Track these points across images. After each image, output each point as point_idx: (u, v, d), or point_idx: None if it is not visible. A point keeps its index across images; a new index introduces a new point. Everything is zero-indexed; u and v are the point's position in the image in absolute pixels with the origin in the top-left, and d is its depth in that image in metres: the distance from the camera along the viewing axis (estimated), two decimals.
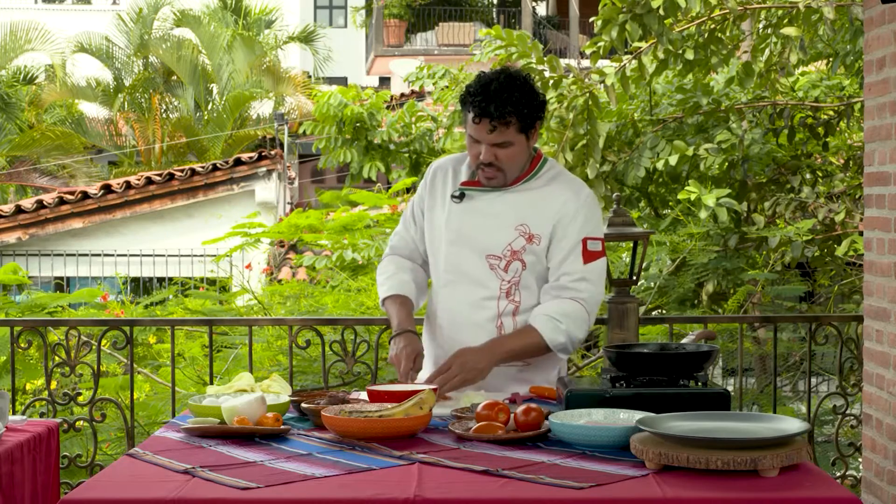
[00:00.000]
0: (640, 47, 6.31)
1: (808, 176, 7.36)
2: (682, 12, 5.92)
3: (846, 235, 6.76)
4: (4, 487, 3.20)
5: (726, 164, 7.13)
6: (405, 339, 3.16)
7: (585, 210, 3.17)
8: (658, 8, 5.72)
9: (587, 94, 6.37)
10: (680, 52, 6.23)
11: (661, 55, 6.17)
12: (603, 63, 6.50)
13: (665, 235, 6.81)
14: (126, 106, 20.06)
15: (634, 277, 4.12)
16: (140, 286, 13.66)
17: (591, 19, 6.47)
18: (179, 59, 20.17)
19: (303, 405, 2.81)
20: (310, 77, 22.70)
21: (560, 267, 3.15)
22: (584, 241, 3.15)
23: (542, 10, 27.78)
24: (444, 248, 3.23)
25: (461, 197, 3.21)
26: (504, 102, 3.02)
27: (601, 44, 6.07)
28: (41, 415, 5.13)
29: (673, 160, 6.83)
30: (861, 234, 5.35)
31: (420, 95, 16.22)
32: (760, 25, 6.62)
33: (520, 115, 3.05)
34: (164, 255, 13.95)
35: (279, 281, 10.87)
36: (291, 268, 12.02)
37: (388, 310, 3.29)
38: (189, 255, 13.70)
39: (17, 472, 3.29)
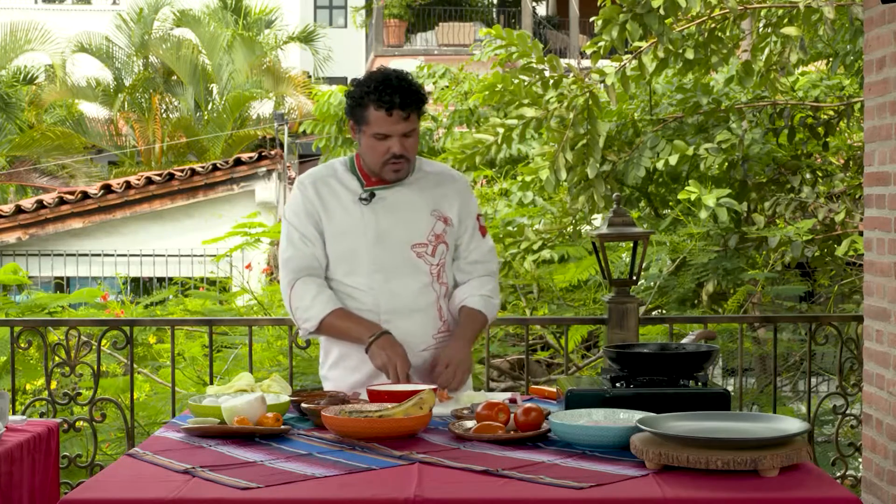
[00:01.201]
0: (640, 47, 6.31)
1: (808, 176, 7.36)
2: (683, 12, 5.92)
3: (846, 235, 6.76)
4: (3, 487, 3.20)
5: (726, 164, 7.13)
6: (389, 343, 3.15)
7: (469, 190, 3.43)
8: (658, 8, 5.72)
9: (587, 94, 6.37)
10: (680, 51, 6.23)
11: (661, 54, 6.16)
12: (603, 63, 6.50)
13: (665, 235, 6.81)
14: (126, 106, 20.06)
15: (634, 277, 4.13)
16: (140, 286, 13.66)
17: (591, 19, 6.47)
18: (179, 59, 20.18)
19: (303, 405, 2.81)
20: (310, 77, 22.70)
21: (469, 245, 3.38)
22: (478, 217, 3.42)
23: (542, 10, 27.77)
24: (366, 250, 3.24)
25: (371, 197, 3.26)
26: (408, 92, 3.17)
27: (601, 44, 6.07)
28: (41, 415, 5.13)
29: (673, 160, 6.83)
30: (861, 234, 5.35)
31: None
32: (760, 25, 6.62)
33: (419, 104, 3.20)
34: (164, 255, 13.95)
35: (279, 281, 10.86)
36: None
37: (340, 323, 3.22)
38: (189, 255, 13.69)
39: (16, 472, 3.29)
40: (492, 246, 3.46)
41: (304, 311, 3.25)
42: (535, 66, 6.66)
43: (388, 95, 3.13)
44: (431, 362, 3.23)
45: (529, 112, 6.56)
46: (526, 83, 6.64)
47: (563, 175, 6.54)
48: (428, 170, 3.37)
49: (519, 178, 7.30)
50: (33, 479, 3.42)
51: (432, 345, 3.27)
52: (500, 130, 6.76)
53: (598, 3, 5.99)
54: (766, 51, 6.59)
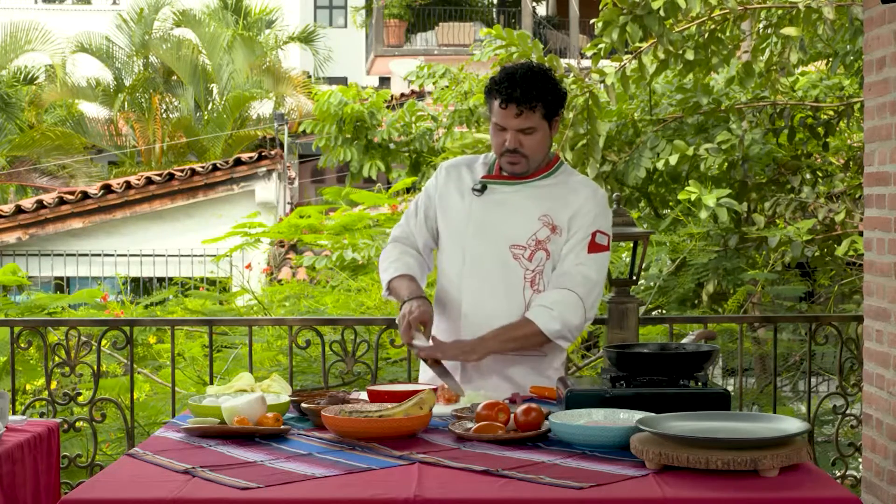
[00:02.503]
0: (640, 47, 6.30)
1: (808, 176, 7.36)
2: (683, 13, 5.92)
3: (846, 235, 6.76)
4: (6, 487, 3.20)
5: (726, 164, 7.13)
6: (417, 303, 3.19)
7: (600, 209, 3.29)
8: (658, 9, 5.72)
9: (587, 94, 6.37)
10: (680, 52, 6.23)
11: (661, 55, 6.16)
12: (603, 63, 6.50)
13: (665, 235, 6.81)
14: (126, 106, 20.06)
15: (634, 277, 4.12)
16: (140, 286, 13.66)
17: (591, 21, 6.47)
18: (179, 59, 20.18)
19: (303, 405, 2.81)
20: (310, 77, 22.70)
21: (567, 256, 3.24)
22: (594, 233, 3.26)
23: (542, 10, 27.77)
24: (466, 240, 3.27)
25: (483, 189, 3.28)
26: (530, 88, 3.15)
27: (602, 45, 6.07)
28: (41, 415, 5.13)
29: (673, 160, 6.83)
30: (861, 234, 5.35)
31: (420, 95, 16.22)
32: (761, 25, 6.62)
33: (544, 102, 3.17)
34: (164, 255, 13.95)
35: (279, 281, 10.86)
36: (291, 268, 12.03)
37: (397, 285, 3.32)
38: (189, 255, 13.70)
39: (17, 471, 3.29)
40: (595, 262, 3.24)
41: (383, 272, 3.40)
42: None
43: (506, 88, 3.15)
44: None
45: None
46: None
47: None
48: (566, 179, 3.30)
49: None
50: (36, 479, 3.43)
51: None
52: None
53: (600, 6, 5.98)
54: (767, 51, 6.59)
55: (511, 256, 3.23)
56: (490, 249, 3.24)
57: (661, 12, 5.73)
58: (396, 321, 3.23)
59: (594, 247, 3.25)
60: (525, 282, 3.24)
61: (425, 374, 3.36)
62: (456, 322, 3.29)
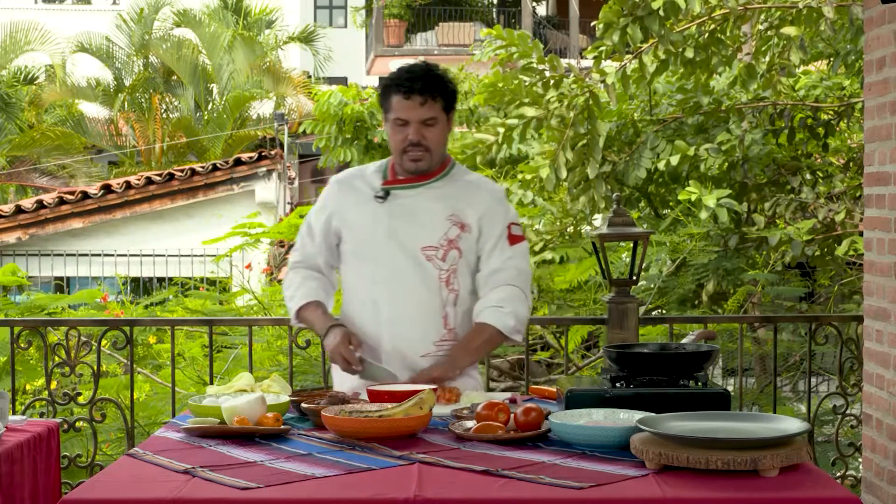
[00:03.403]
0: (640, 47, 6.30)
1: (808, 176, 7.36)
2: (683, 13, 5.92)
3: (846, 235, 6.76)
4: (4, 487, 3.20)
5: (726, 164, 7.12)
6: (337, 333, 3.20)
7: (505, 203, 3.38)
8: (658, 9, 5.71)
9: (587, 94, 6.37)
10: (680, 51, 6.22)
11: (661, 55, 6.16)
12: (604, 63, 6.50)
13: (665, 236, 6.81)
14: (126, 106, 20.06)
15: (634, 277, 4.12)
16: (140, 286, 13.66)
17: (592, 23, 6.47)
18: (180, 59, 20.18)
19: (303, 405, 2.81)
20: (310, 77, 22.70)
21: (491, 254, 3.29)
22: (509, 226, 3.33)
23: (542, 10, 27.77)
24: (377, 249, 3.26)
25: (386, 195, 3.28)
26: (430, 79, 3.21)
27: (603, 48, 6.07)
28: (41, 415, 5.13)
29: (674, 160, 6.82)
30: (861, 234, 5.35)
31: None
32: (762, 27, 6.62)
33: (443, 94, 3.23)
34: (164, 255, 13.95)
35: (279, 281, 10.86)
36: None
37: (309, 317, 3.34)
38: (189, 255, 13.69)
39: (17, 472, 3.29)
40: (520, 253, 3.33)
41: (288, 301, 3.40)
42: (535, 66, 6.66)
43: (407, 81, 3.19)
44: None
45: (530, 111, 6.56)
46: (527, 83, 6.63)
47: (564, 173, 6.53)
48: (461, 178, 3.35)
49: (519, 177, 7.29)
50: (35, 479, 3.42)
51: (433, 352, 3.24)
52: (501, 130, 6.76)
53: (602, 9, 5.98)
54: (770, 52, 6.59)
55: (424, 258, 3.25)
56: (403, 254, 3.24)
57: (661, 12, 5.73)
58: (329, 357, 3.23)
59: (514, 239, 3.32)
60: (440, 282, 3.26)
61: (342, 384, 3.32)
62: (376, 331, 3.27)
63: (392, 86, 3.22)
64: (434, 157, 3.27)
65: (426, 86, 3.18)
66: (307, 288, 3.36)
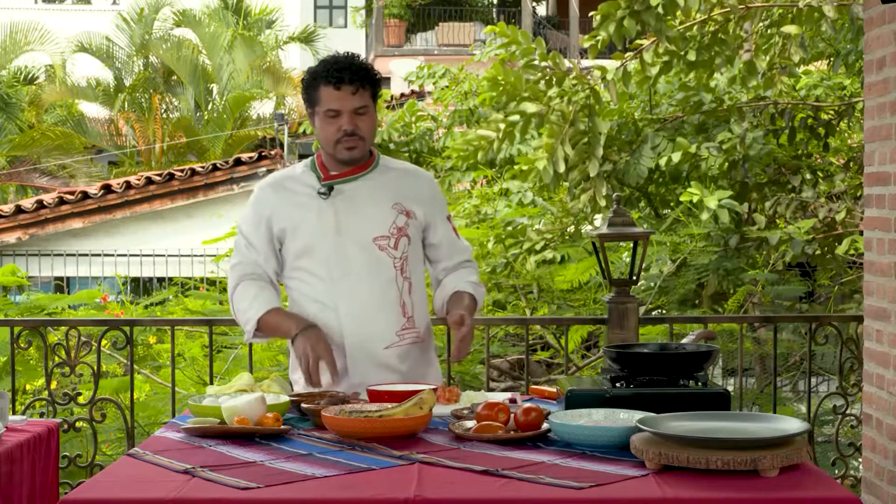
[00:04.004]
0: (641, 44, 6.30)
1: (808, 176, 7.36)
2: (682, 11, 5.92)
3: (847, 235, 6.76)
4: (4, 488, 3.20)
5: (727, 164, 7.13)
6: (314, 335, 3.12)
7: (436, 187, 3.45)
8: (657, 6, 5.72)
9: (588, 91, 6.37)
10: (683, 53, 6.22)
11: (661, 53, 6.16)
12: (605, 62, 6.51)
13: (665, 236, 6.81)
14: (126, 106, 20.06)
15: (634, 277, 4.12)
16: (140, 286, 13.66)
17: (590, 14, 6.47)
18: (180, 59, 20.18)
19: (303, 405, 2.81)
20: None
21: (445, 238, 3.39)
22: (448, 218, 3.44)
23: (542, 10, 27.77)
24: (327, 246, 3.23)
25: (329, 191, 3.26)
26: (357, 68, 3.20)
27: (599, 37, 6.06)
28: (41, 415, 5.13)
29: (676, 158, 6.82)
30: (862, 233, 5.35)
31: (420, 95, 16.21)
32: (762, 25, 6.62)
33: (371, 82, 3.22)
34: (164, 255, 13.95)
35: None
36: None
37: (273, 320, 3.22)
38: (189, 255, 13.69)
39: (16, 472, 3.29)
40: (465, 241, 3.50)
41: (244, 313, 3.26)
42: (537, 63, 6.66)
43: (336, 71, 3.17)
44: (450, 317, 3.21)
45: (531, 108, 6.56)
46: (529, 81, 6.64)
47: (562, 167, 6.52)
48: (391, 166, 3.38)
49: (514, 168, 7.27)
50: (33, 479, 3.42)
51: (396, 342, 3.24)
52: (502, 126, 6.76)
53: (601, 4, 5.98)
54: (771, 50, 6.59)
55: (377, 248, 3.24)
56: (356, 247, 3.23)
57: (660, 9, 5.73)
58: (297, 356, 3.11)
59: (454, 228, 3.46)
60: (396, 270, 3.26)
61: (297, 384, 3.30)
62: (337, 329, 3.22)
63: (320, 77, 3.19)
64: (366, 146, 3.26)
65: (356, 75, 3.18)
66: (266, 296, 3.24)
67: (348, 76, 3.16)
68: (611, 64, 6.41)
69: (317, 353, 3.08)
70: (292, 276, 3.31)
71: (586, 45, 6.31)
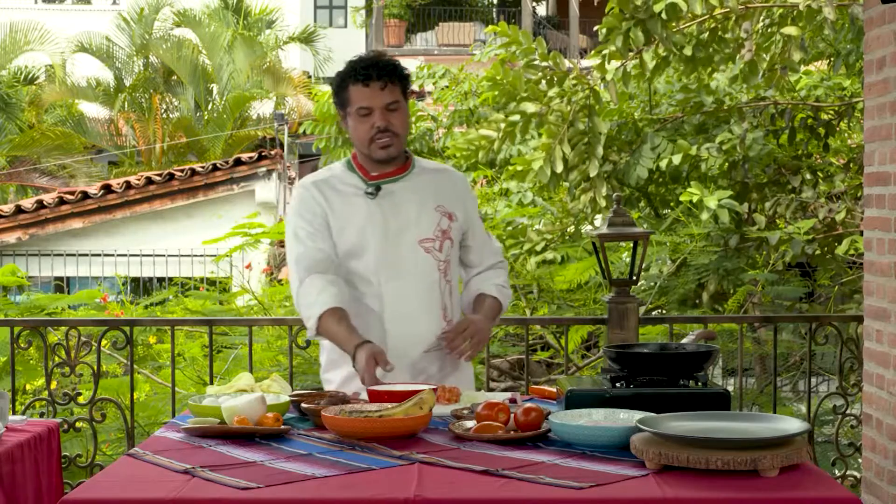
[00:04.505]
0: (642, 47, 6.30)
1: (808, 176, 7.36)
2: (684, 14, 5.92)
3: (847, 235, 6.76)
4: (7, 487, 3.20)
5: (727, 164, 7.13)
6: (371, 350, 3.02)
7: (470, 187, 3.47)
8: (660, 12, 5.72)
9: (588, 91, 6.37)
10: (681, 49, 6.22)
11: (661, 52, 6.16)
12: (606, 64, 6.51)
13: (665, 236, 6.81)
14: (126, 106, 20.06)
15: (634, 277, 4.12)
16: (140, 286, 13.66)
17: (595, 28, 6.48)
18: (180, 59, 20.17)
19: (303, 405, 2.81)
20: (310, 77, 22.69)
21: (478, 238, 3.40)
22: (479, 217, 3.47)
23: (542, 10, 27.77)
24: (376, 248, 3.20)
25: (377, 191, 3.23)
26: (384, 64, 3.20)
27: (606, 52, 6.07)
28: (41, 415, 5.13)
29: (677, 159, 6.82)
30: (862, 233, 5.35)
31: (420, 95, 16.22)
32: (762, 24, 6.62)
33: (400, 77, 3.21)
34: (164, 255, 13.95)
35: (279, 281, 10.86)
36: None
37: (331, 327, 3.10)
38: (189, 255, 13.69)
39: (18, 471, 3.29)
40: (497, 242, 3.51)
41: (307, 308, 3.17)
42: (538, 63, 6.66)
43: (363, 69, 3.17)
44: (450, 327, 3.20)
45: (531, 107, 6.56)
46: (529, 81, 6.64)
47: (559, 167, 6.52)
48: (426, 166, 3.37)
49: (511, 169, 7.26)
50: (37, 479, 3.42)
51: (435, 346, 3.23)
52: (503, 126, 6.76)
53: (605, 10, 5.98)
54: (772, 49, 6.59)
55: (423, 251, 3.23)
56: (404, 249, 3.21)
57: (663, 15, 5.73)
58: (357, 370, 3.02)
59: (481, 220, 3.48)
60: (440, 273, 3.25)
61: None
62: (378, 331, 3.19)
63: (349, 77, 3.19)
64: (401, 143, 3.24)
65: (383, 70, 3.17)
66: (329, 294, 3.12)
67: (376, 72, 3.16)
68: (611, 64, 6.41)
69: (365, 375, 2.98)
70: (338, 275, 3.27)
71: (592, 59, 6.31)
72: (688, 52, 6.19)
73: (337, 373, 3.30)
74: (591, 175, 6.59)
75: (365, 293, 3.23)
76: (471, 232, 3.37)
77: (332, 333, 3.13)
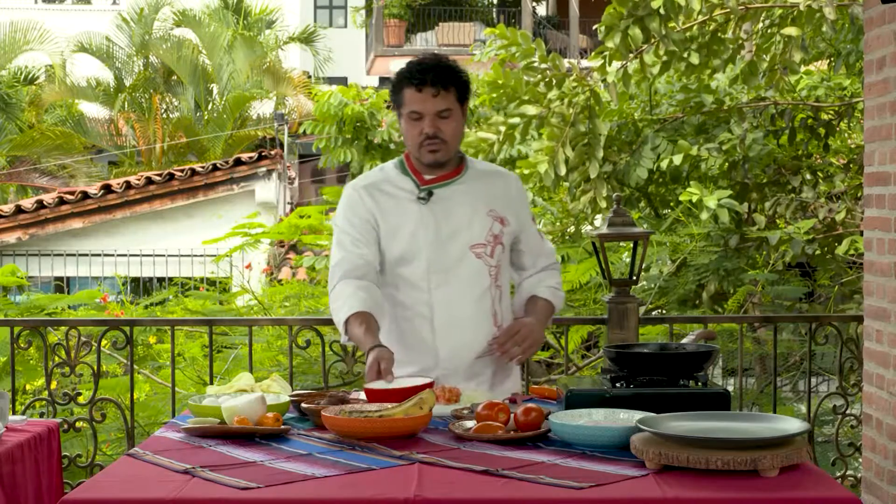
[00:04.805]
0: (642, 47, 6.30)
1: (808, 176, 7.37)
2: (683, 13, 5.92)
3: (847, 235, 6.76)
4: (6, 487, 3.20)
5: (727, 164, 7.13)
6: (373, 354, 3.00)
7: (523, 189, 3.43)
8: (658, 8, 5.71)
9: (588, 92, 6.37)
10: (684, 55, 6.22)
11: (661, 54, 6.16)
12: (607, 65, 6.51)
13: (665, 236, 6.81)
14: (126, 106, 20.06)
15: (634, 277, 4.12)
16: (140, 286, 13.66)
17: (594, 28, 6.48)
18: (180, 59, 20.18)
19: (303, 405, 2.81)
20: (310, 77, 22.69)
21: (530, 239, 3.37)
22: (532, 219, 3.43)
23: (542, 10, 27.77)
24: (427, 253, 3.19)
25: (429, 196, 3.22)
26: (442, 70, 3.16)
27: (606, 53, 6.07)
28: (41, 415, 5.13)
29: (678, 160, 6.82)
30: (862, 233, 5.35)
31: None
32: (762, 25, 6.62)
33: (457, 84, 3.18)
34: (164, 255, 13.95)
35: (279, 281, 10.87)
36: (291, 268, 12.03)
37: (356, 331, 3.09)
38: (189, 255, 13.70)
39: (18, 471, 3.29)
40: (550, 245, 3.48)
41: (336, 313, 3.17)
42: (537, 65, 6.66)
43: (419, 73, 3.14)
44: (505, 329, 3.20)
45: (531, 110, 6.56)
46: (529, 83, 6.64)
47: (563, 170, 6.53)
48: (479, 169, 3.33)
49: (517, 172, 7.28)
50: (38, 479, 3.43)
51: (485, 352, 3.22)
52: (503, 129, 6.76)
53: (605, 12, 5.98)
54: (772, 49, 6.59)
55: (474, 256, 3.22)
56: (456, 256, 3.20)
57: (661, 10, 5.73)
58: (368, 364, 3.01)
59: (534, 222, 3.44)
60: (490, 279, 3.24)
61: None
62: (429, 337, 3.20)
63: (404, 79, 3.16)
64: (451, 149, 3.21)
65: (438, 77, 3.13)
66: (357, 298, 3.11)
67: (430, 78, 3.13)
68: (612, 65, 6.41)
69: (384, 362, 2.96)
70: (387, 282, 3.25)
71: (593, 60, 6.30)
72: (694, 60, 6.19)
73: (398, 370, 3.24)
74: (592, 176, 6.59)
75: (415, 299, 3.21)
76: (523, 235, 3.33)
77: (355, 337, 3.13)
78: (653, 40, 6.13)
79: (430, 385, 2.85)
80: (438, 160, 3.20)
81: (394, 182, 3.27)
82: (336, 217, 3.30)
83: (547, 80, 6.50)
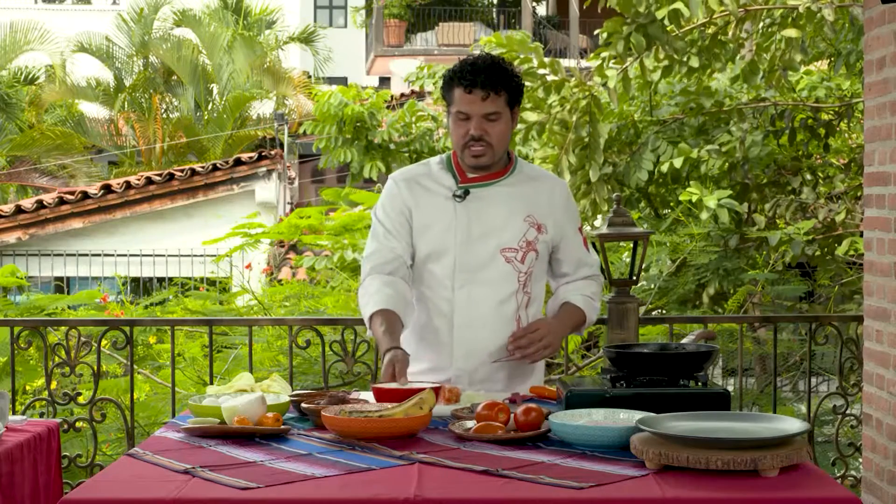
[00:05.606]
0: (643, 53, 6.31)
1: (808, 177, 7.37)
2: (685, 20, 5.92)
3: (847, 235, 6.76)
4: (4, 487, 3.20)
5: (727, 165, 7.13)
6: (388, 357, 3.02)
7: (570, 196, 3.35)
8: (662, 19, 5.72)
9: (588, 96, 6.37)
10: (684, 59, 6.22)
11: (661, 58, 6.16)
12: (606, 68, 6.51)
13: (665, 236, 6.81)
14: (126, 106, 20.07)
15: (634, 277, 4.12)
16: (140, 286, 13.66)
17: (595, 32, 6.48)
18: (180, 59, 20.19)
19: (303, 405, 2.81)
20: (310, 77, 22.71)
21: (571, 247, 3.31)
22: (580, 228, 3.36)
23: (542, 10, 27.77)
24: (455, 250, 3.18)
25: (465, 195, 3.19)
26: (493, 73, 3.11)
27: (606, 55, 6.06)
28: (41, 415, 5.13)
29: (678, 163, 6.82)
30: (862, 234, 5.35)
31: (420, 95, 16.21)
32: (762, 25, 6.62)
33: (508, 88, 3.13)
34: (164, 255, 13.96)
35: (279, 281, 10.87)
36: (291, 268, 12.03)
37: (377, 329, 3.10)
38: (189, 255, 13.70)
39: (17, 472, 3.29)
40: (595, 256, 3.41)
41: (362, 308, 3.18)
42: (536, 70, 6.66)
43: (470, 74, 3.10)
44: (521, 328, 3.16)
45: (532, 116, 6.56)
46: (528, 89, 6.64)
47: (567, 178, 6.53)
48: (528, 173, 3.28)
49: None
50: (36, 479, 3.42)
51: (504, 356, 3.19)
52: None
53: (600, 8, 5.97)
54: (772, 48, 6.59)
55: (504, 260, 3.18)
56: (483, 257, 3.17)
57: (665, 21, 5.73)
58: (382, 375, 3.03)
59: (585, 241, 3.38)
60: (518, 284, 3.20)
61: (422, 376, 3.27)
62: (448, 336, 3.20)
63: (455, 78, 3.13)
64: (496, 153, 3.17)
65: (489, 79, 3.09)
66: (382, 295, 3.11)
67: (481, 80, 3.09)
68: (612, 68, 6.41)
69: (398, 364, 2.98)
70: (417, 277, 3.24)
71: (593, 63, 6.30)
72: (694, 63, 6.18)
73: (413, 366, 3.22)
74: (592, 179, 6.59)
75: (438, 296, 3.20)
76: (563, 244, 3.28)
77: (375, 334, 3.13)
78: (654, 46, 6.13)
79: (438, 389, 2.84)
80: (481, 163, 3.18)
81: (435, 177, 3.25)
82: (375, 207, 3.30)
83: (546, 85, 6.50)
